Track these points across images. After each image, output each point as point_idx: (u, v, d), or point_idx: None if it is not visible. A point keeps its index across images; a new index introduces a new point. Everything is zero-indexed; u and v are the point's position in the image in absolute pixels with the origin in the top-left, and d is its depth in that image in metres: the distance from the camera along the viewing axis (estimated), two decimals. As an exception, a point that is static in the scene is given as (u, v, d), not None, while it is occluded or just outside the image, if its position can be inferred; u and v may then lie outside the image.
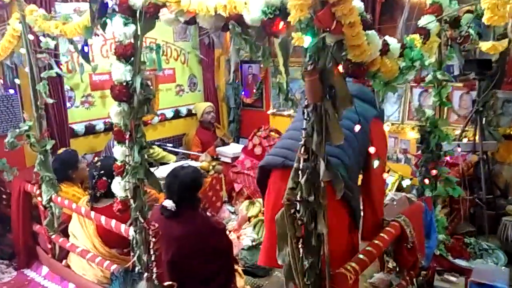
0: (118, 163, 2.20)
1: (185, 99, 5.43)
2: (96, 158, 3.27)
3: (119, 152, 2.18)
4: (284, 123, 5.10)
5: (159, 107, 5.05)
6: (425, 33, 2.17)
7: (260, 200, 3.95)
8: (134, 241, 2.28)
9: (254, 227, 3.69)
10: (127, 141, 2.16)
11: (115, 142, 2.21)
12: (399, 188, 4.30)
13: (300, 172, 1.77)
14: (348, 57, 1.71)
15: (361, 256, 2.05)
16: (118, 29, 2.04)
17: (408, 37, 2.10)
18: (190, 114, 5.46)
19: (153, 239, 2.26)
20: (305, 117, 1.74)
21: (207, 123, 5.09)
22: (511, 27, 3.37)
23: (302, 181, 1.76)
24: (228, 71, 5.61)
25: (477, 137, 3.35)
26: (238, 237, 3.53)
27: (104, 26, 2.33)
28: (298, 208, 1.80)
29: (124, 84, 2.11)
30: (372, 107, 2.36)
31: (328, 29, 1.57)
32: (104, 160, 2.90)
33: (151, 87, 2.16)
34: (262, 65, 5.29)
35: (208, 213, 3.69)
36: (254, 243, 3.42)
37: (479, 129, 3.24)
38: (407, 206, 2.79)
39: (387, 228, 2.28)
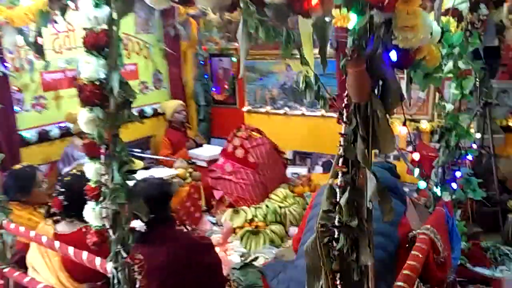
0: (92, 184, 1.73)
1: (150, 97, 4.91)
2: (71, 171, 2.63)
3: (91, 170, 1.71)
4: (262, 121, 4.73)
5: (122, 107, 4.51)
6: (458, 15, 1.85)
7: (245, 208, 3.56)
8: (115, 280, 1.81)
9: (241, 239, 3.29)
10: (102, 157, 1.69)
11: (87, 159, 1.73)
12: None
13: (338, 190, 1.40)
14: (393, 42, 1.35)
15: (400, 283, 1.71)
16: (87, 12, 1.57)
17: (443, 19, 1.78)
18: (156, 113, 4.96)
19: (139, 276, 1.82)
20: (345, 120, 1.37)
21: (178, 123, 4.62)
22: (507, 12, 3.14)
23: (342, 201, 1.39)
24: (196, 66, 5.14)
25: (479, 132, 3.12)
26: (225, 252, 3.12)
27: (63, 10, 1.84)
28: (335, 235, 1.43)
29: (97, 83, 1.63)
30: (399, 200, 2.08)
31: (380, 4, 1.20)
32: (75, 178, 2.36)
33: (131, 88, 1.70)
34: (234, 58, 4.88)
35: (187, 227, 3.27)
36: (244, 259, 3.03)
37: (489, 122, 3.00)
38: (427, 214, 2.49)
39: (418, 244, 1.95)
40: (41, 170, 3.62)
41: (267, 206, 3.54)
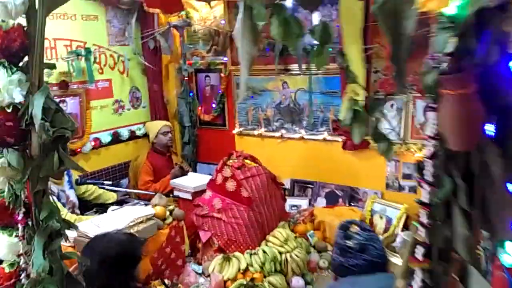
0: (6, 268, 1.10)
1: (126, 118, 4.29)
2: None
3: (3, 246, 1.09)
4: (254, 145, 4.14)
5: (91, 130, 3.88)
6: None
7: (238, 254, 2.93)
8: None
9: (234, 295, 2.67)
10: (20, 226, 1.07)
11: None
12: (407, 224, 3.47)
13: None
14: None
15: None
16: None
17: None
18: (133, 136, 4.33)
19: None
20: (428, 179, 0.78)
21: (162, 146, 4.02)
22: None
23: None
24: (180, 82, 4.54)
25: None
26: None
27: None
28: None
29: (9, 110, 1.02)
30: None
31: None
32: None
33: (68, 116, 1.09)
34: (223, 74, 4.29)
35: (166, 284, 2.63)
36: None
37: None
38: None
39: None
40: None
41: (264, 251, 2.92)
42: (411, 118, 3.44)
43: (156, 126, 4.05)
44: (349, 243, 1.79)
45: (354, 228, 1.88)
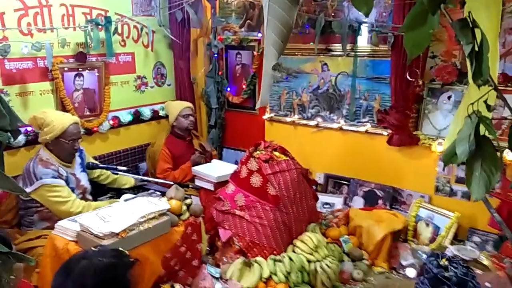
0: None
1: (149, 96, 3.97)
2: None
3: None
4: (286, 133, 3.74)
5: (109, 107, 3.57)
6: None
7: (261, 260, 2.58)
8: None
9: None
10: None
11: None
12: (457, 236, 3.02)
13: None
14: None
15: None
16: None
17: None
18: (156, 117, 4.01)
19: None
20: None
21: (182, 130, 3.68)
22: None
23: None
24: (209, 59, 4.15)
25: None
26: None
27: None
28: None
29: None
30: None
31: None
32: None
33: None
34: (256, 52, 3.87)
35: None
36: None
37: None
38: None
39: None
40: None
41: (290, 258, 2.55)
42: (471, 113, 2.93)
43: (176, 108, 3.68)
44: (446, 274, 1.66)
45: (445, 262, 1.73)
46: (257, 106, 1.17)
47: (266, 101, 0.79)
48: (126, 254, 1.39)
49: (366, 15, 0.68)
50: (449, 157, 0.77)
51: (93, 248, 1.38)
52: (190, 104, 3.77)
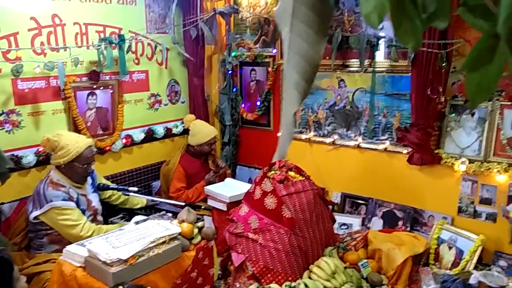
0: None
1: (163, 114, 3.93)
2: None
3: None
4: (301, 151, 3.63)
5: (122, 126, 3.54)
6: None
7: (275, 286, 2.46)
8: None
9: None
10: None
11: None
12: (482, 260, 2.86)
13: None
14: None
15: None
16: None
17: None
18: (169, 134, 3.96)
19: None
20: None
21: (201, 153, 3.62)
22: None
23: None
24: (223, 75, 4.10)
25: None
26: None
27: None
28: None
29: None
30: None
31: None
32: None
33: None
34: (270, 68, 3.80)
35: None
36: None
37: None
38: None
39: None
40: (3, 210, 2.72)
41: (306, 285, 2.42)
42: (496, 131, 2.80)
43: (205, 135, 3.58)
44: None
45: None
46: (274, 160, 1.07)
47: (285, 154, 0.70)
48: None
49: (414, 50, 0.58)
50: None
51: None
52: (217, 132, 3.71)
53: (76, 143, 2.71)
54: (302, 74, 0.60)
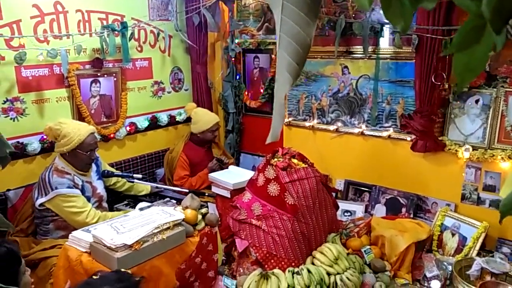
0: None
1: (166, 102, 3.93)
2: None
3: None
4: (305, 138, 3.63)
5: (126, 114, 3.54)
6: None
7: (278, 272, 2.49)
8: None
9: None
10: None
11: None
12: (485, 246, 2.87)
13: None
14: None
15: None
16: None
17: None
18: (173, 122, 3.97)
19: None
20: None
21: (204, 141, 3.62)
22: None
23: None
24: (226, 63, 4.09)
25: None
26: None
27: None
28: None
29: None
30: None
31: None
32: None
33: None
34: (274, 55, 3.79)
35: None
36: None
37: None
38: None
39: None
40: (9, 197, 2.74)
41: (309, 271, 2.45)
42: (500, 118, 2.79)
43: (207, 122, 3.58)
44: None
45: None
46: (268, 142, 1.03)
47: (278, 135, 0.70)
48: (130, 274, 1.32)
49: (404, 32, 0.58)
50: (508, 208, 0.64)
51: (94, 277, 1.31)
52: (218, 118, 3.70)
53: (78, 130, 2.72)
54: (293, 56, 0.60)
